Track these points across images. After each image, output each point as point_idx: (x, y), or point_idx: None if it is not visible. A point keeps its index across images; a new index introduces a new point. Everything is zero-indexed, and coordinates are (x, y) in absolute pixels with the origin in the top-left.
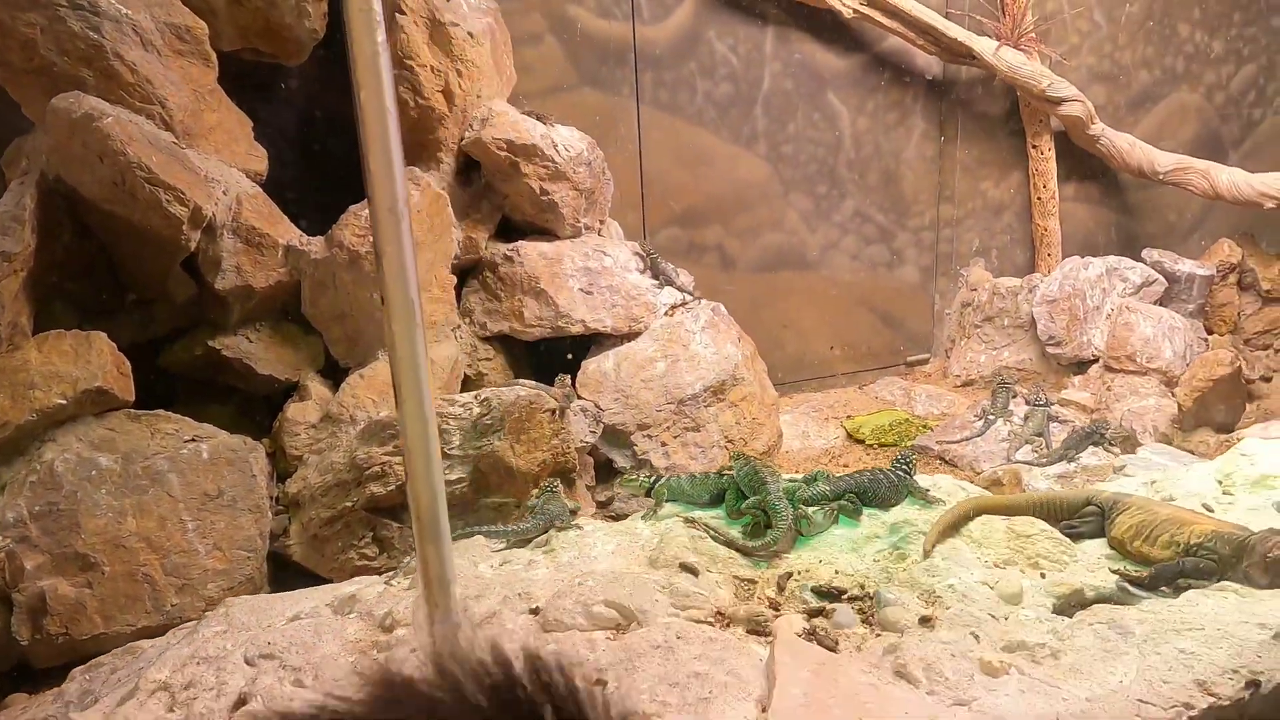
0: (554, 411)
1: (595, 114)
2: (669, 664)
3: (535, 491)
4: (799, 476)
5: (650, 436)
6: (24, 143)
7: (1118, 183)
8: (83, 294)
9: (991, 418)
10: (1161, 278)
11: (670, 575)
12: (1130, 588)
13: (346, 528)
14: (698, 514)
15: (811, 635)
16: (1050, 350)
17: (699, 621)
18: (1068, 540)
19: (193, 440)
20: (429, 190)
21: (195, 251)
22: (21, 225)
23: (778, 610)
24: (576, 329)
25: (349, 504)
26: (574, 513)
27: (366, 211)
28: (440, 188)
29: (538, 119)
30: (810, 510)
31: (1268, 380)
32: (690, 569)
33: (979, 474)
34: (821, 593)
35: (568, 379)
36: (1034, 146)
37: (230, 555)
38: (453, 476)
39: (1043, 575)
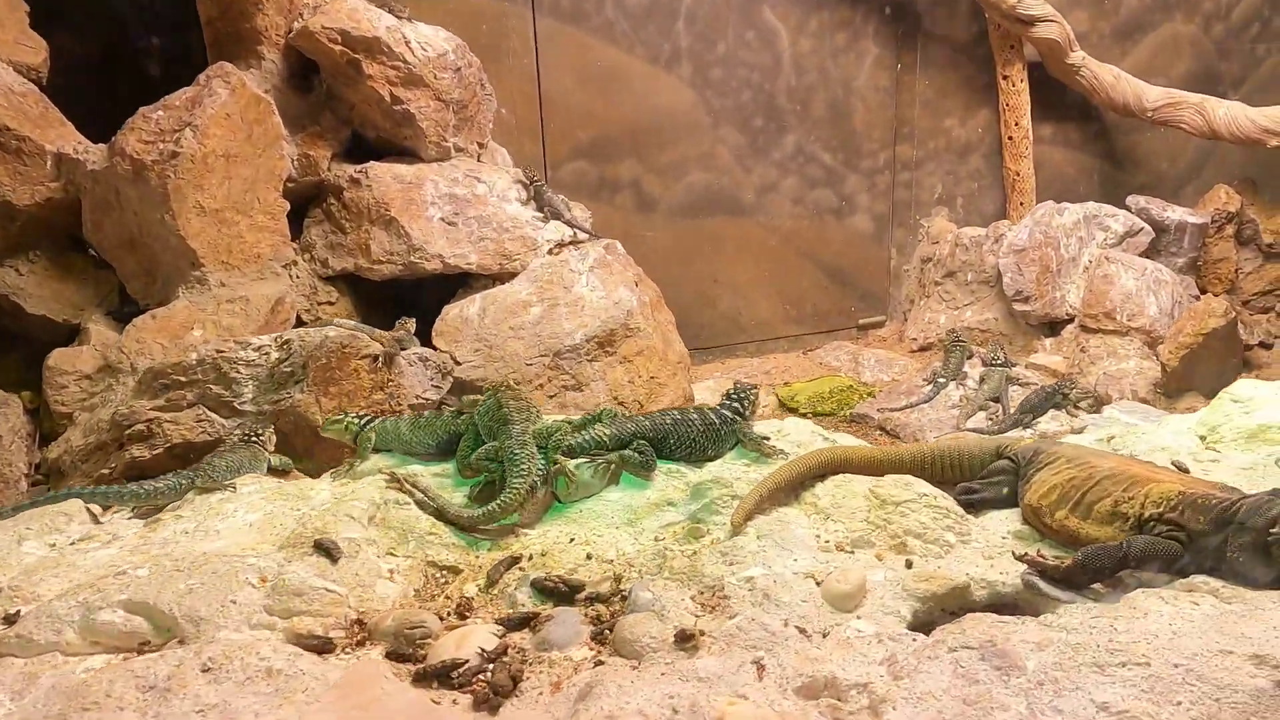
0: (375, 359)
1: (480, 21)
2: (150, 715)
3: (231, 438)
4: (575, 418)
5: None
6: None
7: (1102, 123)
8: None
9: (942, 381)
10: (1148, 227)
11: (289, 560)
12: (1041, 583)
13: None
14: (415, 469)
15: (489, 663)
16: (1018, 307)
17: (303, 638)
18: (960, 511)
19: None
20: (243, 91)
21: None
22: None
23: (465, 617)
24: (432, 266)
25: (107, 471)
26: (280, 471)
27: (159, 114)
28: (262, 90)
29: (389, 11)
30: (573, 464)
31: (1268, 347)
32: (328, 551)
33: None
34: (546, 590)
35: (409, 321)
36: (1004, 77)
37: None
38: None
39: (908, 564)
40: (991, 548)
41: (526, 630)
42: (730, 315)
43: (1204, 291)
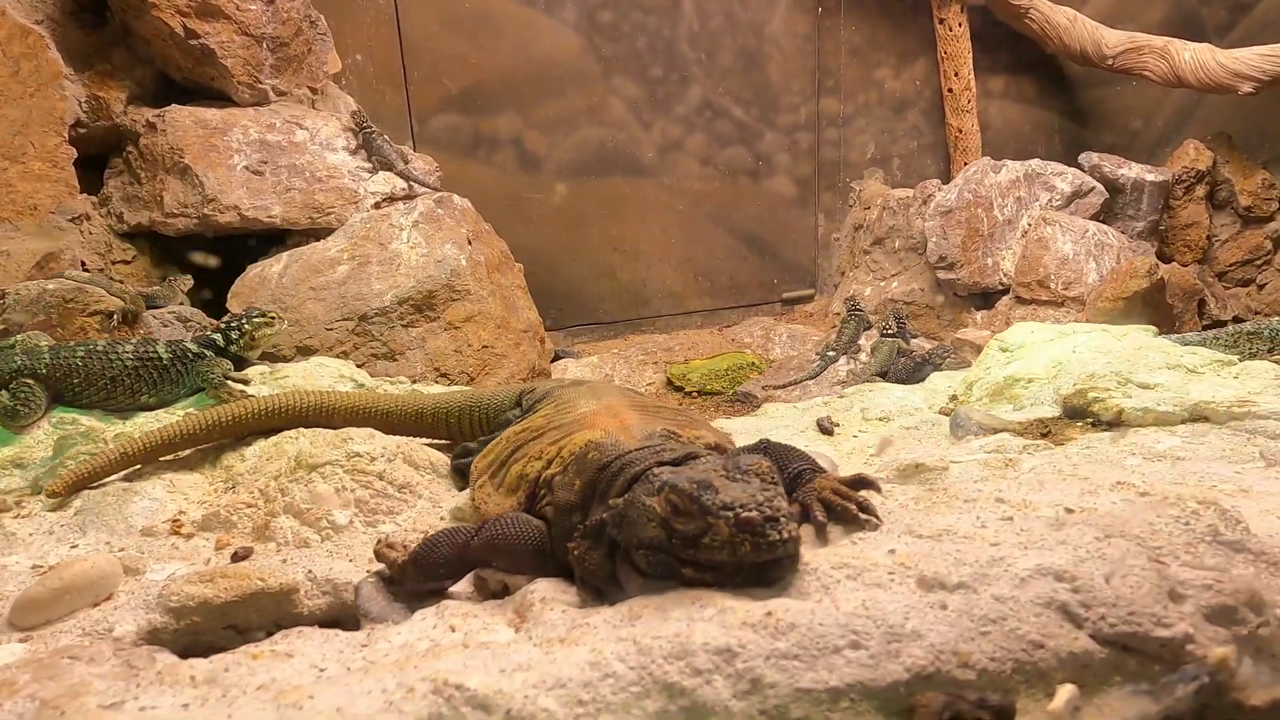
0: (109, 315)
1: None
2: None
3: None
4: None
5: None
6: None
7: (1062, 76)
8: None
9: (832, 355)
10: (1100, 186)
11: None
12: (365, 589)
13: None
14: None
15: None
16: (941, 275)
17: None
18: (393, 474)
19: None
20: (3, 21)
21: None
22: None
23: None
24: (228, 218)
25: None
26: None
27: None
28: (32, 21)
29: None
30: None
31: (1243, 323)
32: None
33: None
34: None
35: (184, 279)
36: (940, 21)
37: None
38: None
39: (235, 555)
40: (412, 533)
41: None
42: (632, 287)
43: (1169, 261)
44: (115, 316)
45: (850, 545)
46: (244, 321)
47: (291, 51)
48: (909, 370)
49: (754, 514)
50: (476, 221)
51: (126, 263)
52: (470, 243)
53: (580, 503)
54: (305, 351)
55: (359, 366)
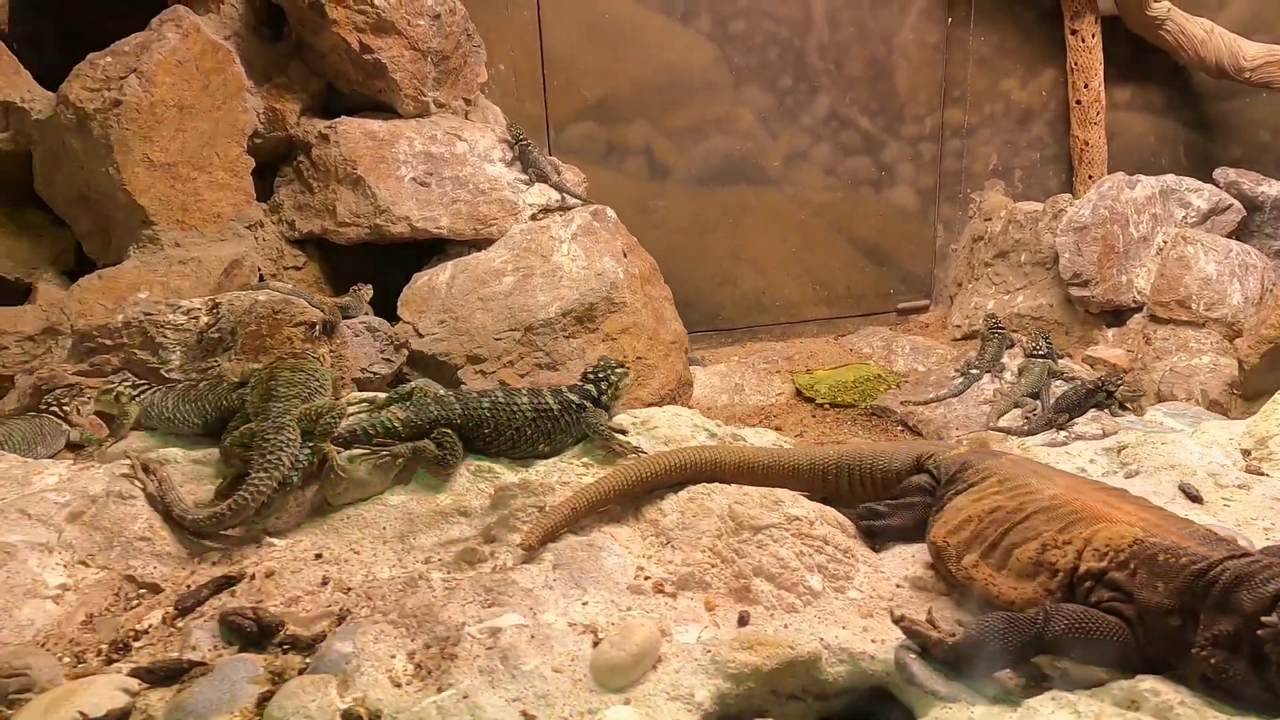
0: (310, 326)
1: None
2: None
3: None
4: (381, 396)
5: (485, 373)
6: None
7: (1190, 86)
8: None
9: (975, 372)
10: (1238, 203)
11: None
12: (914, 666)
13: None
14: (171, 452)
15: None
16: (1075, 292)
17: None
18: (847, 544)
19: None
20: (197, 37)
21: None
22: None
23: (113, 660)
24: (399, 229)
25: None
26: (76, 446)
27: (106, 60)
28: (221, 36)
29: None
30: (345, 456)
31: None
32: None
33: None
34: (235, 627)
35: (365, 288)
36: (1073, 32)
37: None
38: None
39: (744, 620)
40: (876, 600)
41: (174, 686)
42: (753, 295)
43: None
44: (317, 327)
45: None
46: (610, 374)
47: (451, 64)
48: (1079, 397)
49: None
50: (627, 234)
51: (297, 268)
52: (625, 255)
53: (1177, 607)
54: (474, 360)
55: (522, 375)
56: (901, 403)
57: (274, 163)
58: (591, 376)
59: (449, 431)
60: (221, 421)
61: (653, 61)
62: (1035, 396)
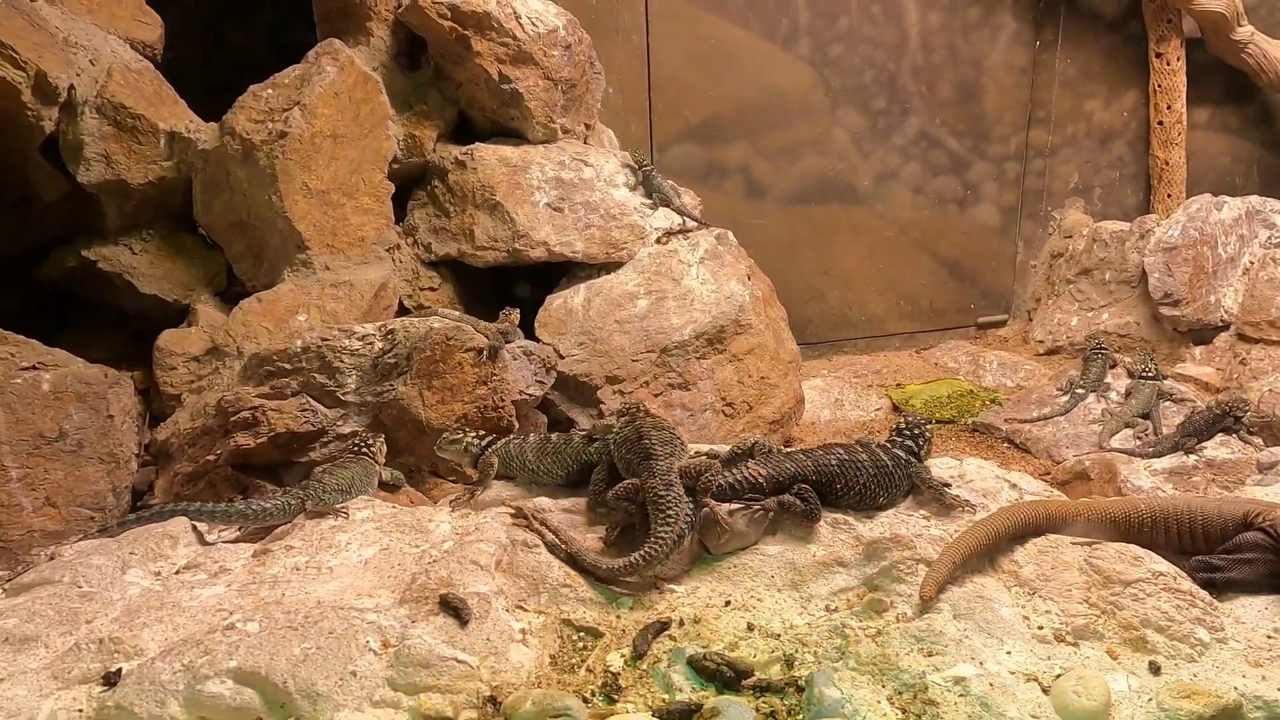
0: (479, 351)
1: None
2: None
3: (322, 453)
4: (721, 449)
5: (623, 392)
6: None
7: (1267, 107)
8: None
9: (1081, 392)
10: None
11: (414, 618)
12: None
13: (210, 487)
14: (542, 502)
15: None
16: (1165, 312)
17: (438, 719)
18: (1203, 593)
19: (32, 368)
20: (351, 69)
21: (56, 135)
22: None
23: (614, 700)
24: (538, 254)
25: (212, 457)
26: (391, 487)
27: (268, 92)
28: (370, 68)
29: None
30: (724, 509)
31: None
32: (456, 611)
33: (1058, 464)
34: (706, 672)
35: (514, 313)
36: (1157, 55)
37: (67, 513)
38: (345, 430)
39: (1154, 668)
40: (1256, 650)
41: None
42: (839, 309)
43: None
44: (484, 352)
45: None
46: (924, 430)
47: (577, 92)
48: (1206, 422)
49: None
50: (747, 257)
51: (433, 289)
52: (749, 278)
53: None
54: (613, 381)
55: (656, 395)
56: (1006, 420)
57: (407, 186)
58: (907, 432)
59: (807, 486)
60: (581, 474)
61: (753, 84)
62: (1146, 417)
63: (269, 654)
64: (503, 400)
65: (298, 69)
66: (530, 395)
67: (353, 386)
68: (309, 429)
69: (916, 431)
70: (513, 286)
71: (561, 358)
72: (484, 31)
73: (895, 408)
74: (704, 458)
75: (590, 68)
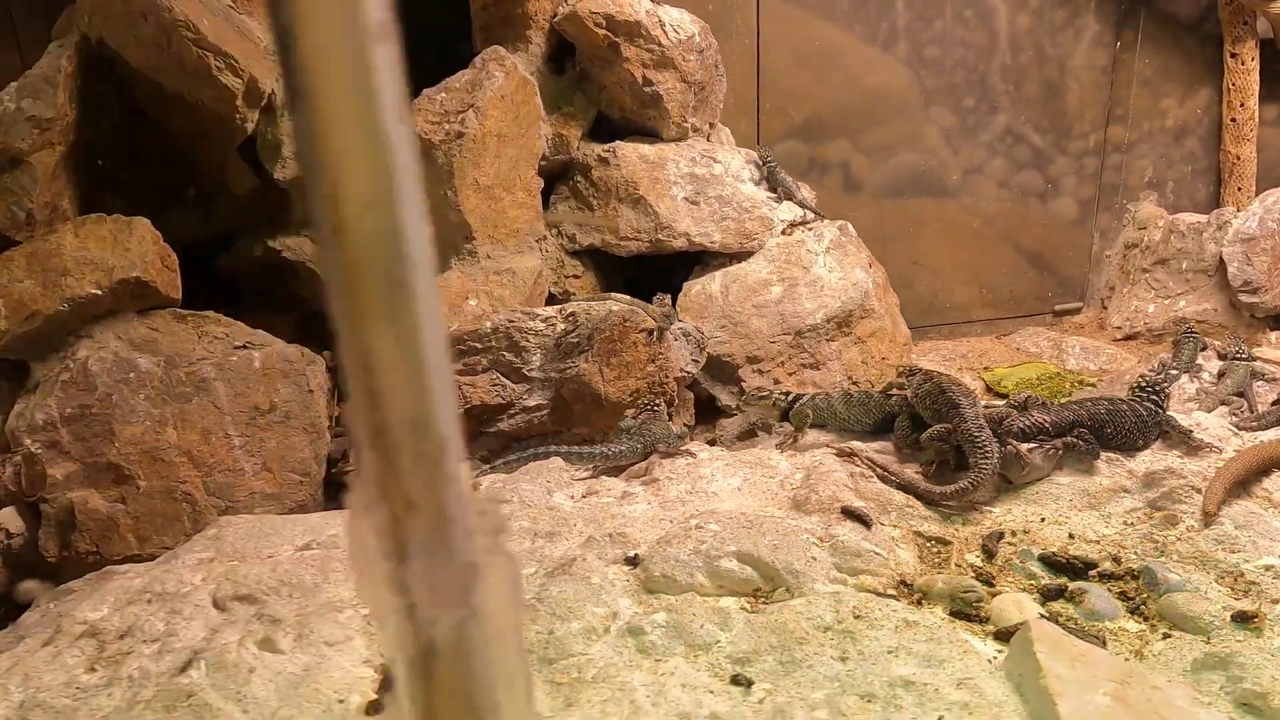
0: (651, 333)
1: (708, 1)
2: (851, 661)
3: (631, 412)
4: (999, 402)
5: (761, 372)
6: (73, 9)
7: None
8: (138, 184)
9: (1174, 372)
10: None
11: (828, 524)
12: None
13: None
14: (855, 444)
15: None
16: (1245, 299)
17: (878, 594)
18: None
19: (244, 347)
20: (515, 74)
21: (255, 135)
22: (54, 88)
23: (991, 585)
24: (679, 244)
25: None
26: (682, 437)
27: (442, 96)
28: (528, 72)
29: None
30: (1024, 447)
31: None
32: (859, 517)
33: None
34: (1056, 565)
35: (667, 298)
36: (1233, 55)
37: (281, 478)
38: (531, 403)
39: None
40: None
41: (1061, 600)
42: (926, 297)
43: None
44: (654, 333)
45: None
46: (1162, 386)
47: (705, 93)
48: None
49: None
50: (866, 247)
51: (576, 277)
52: (871, 266)
53: None
54: (752, 361)
55: (790, 374)
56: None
57: (550, 182)
58: (1149, 389)
59: (1085, 430)
60: (884, 422)
61: (854, 85)
62: (1240, 395)
63: (752, 543)
64: (667, 376)
65: (467, 74)
66: (687, 373)
67: (537, 364)
68: (499, 402)
69: (1160, 388)
70: (644, 277)
71: (707, 338)
72: (633, 39)
73: (988, 389)
74: (1002, 406)
75: (716, 70)
